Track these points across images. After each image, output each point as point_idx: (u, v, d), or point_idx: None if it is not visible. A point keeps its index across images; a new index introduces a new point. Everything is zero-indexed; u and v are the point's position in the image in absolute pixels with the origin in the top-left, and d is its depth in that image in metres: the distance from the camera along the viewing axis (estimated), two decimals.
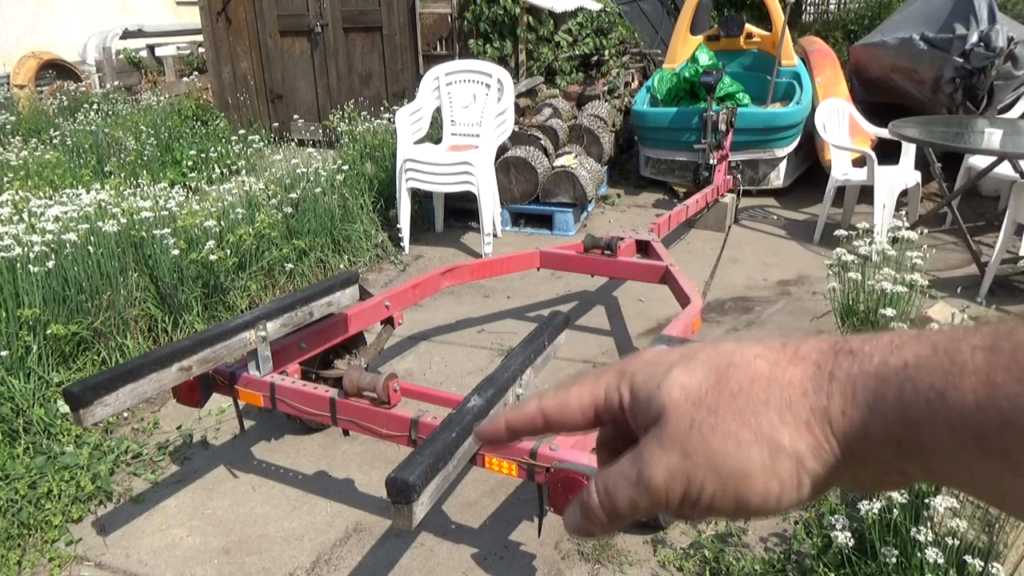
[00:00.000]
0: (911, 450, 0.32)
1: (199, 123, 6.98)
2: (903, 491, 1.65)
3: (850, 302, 2.86)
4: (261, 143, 5.99)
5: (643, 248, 3.48)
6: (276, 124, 7.31)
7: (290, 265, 3.93)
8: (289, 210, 4.20)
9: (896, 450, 0.33)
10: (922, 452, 0.32)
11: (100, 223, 3.43)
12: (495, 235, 4.82)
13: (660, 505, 0.37)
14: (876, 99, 5.92)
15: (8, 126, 6.95)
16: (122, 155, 5.86)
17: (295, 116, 7.17)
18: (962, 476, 0.32)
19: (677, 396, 0.36)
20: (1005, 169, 4.16)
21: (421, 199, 5.08)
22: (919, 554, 1.61)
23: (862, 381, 0.33)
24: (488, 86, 4.96)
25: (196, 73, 9.42)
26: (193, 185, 5.79)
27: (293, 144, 6.64)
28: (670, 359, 0.38)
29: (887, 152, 4.70)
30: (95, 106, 7.33)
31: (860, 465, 0.34)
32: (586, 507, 0.39)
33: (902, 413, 0.32)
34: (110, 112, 7.20)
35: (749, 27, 6.24)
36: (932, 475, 0.33)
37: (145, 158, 5.86)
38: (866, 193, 4.63)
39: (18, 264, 2.99)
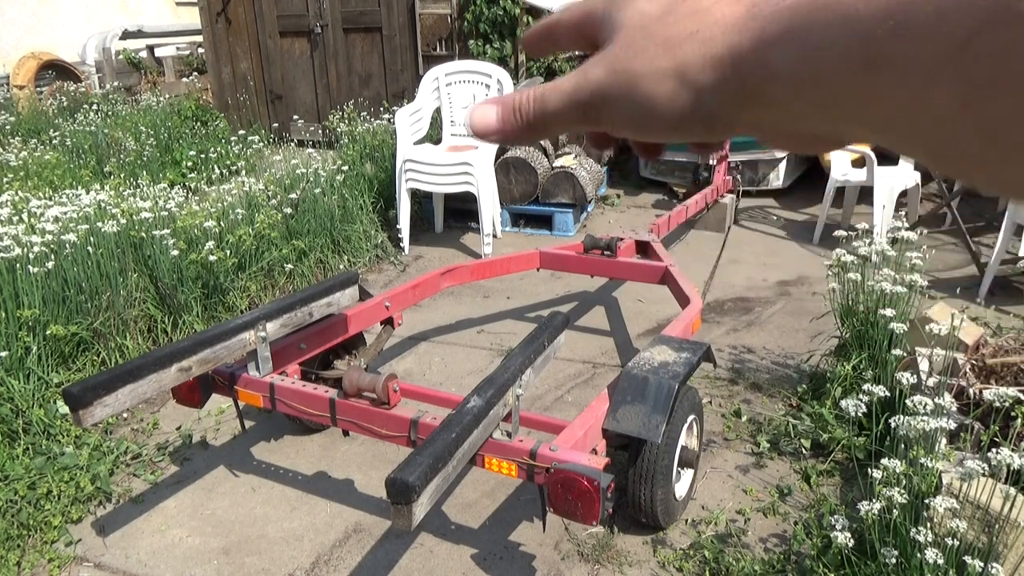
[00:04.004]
0: (806, 83, 0.31)
1: (199, 123, 6.98)
2: (903, 491, 1.65)
3: (850, 303, 2.86)
4: (261, 144, 5.99)
5: (643, 248, 3.49)
6: (276, 124, 7.31)
7: (290, 265, 3.93)
8: (289, 210, 4.20)
9: (793, 86, 0.32)
10: (818, 83, 0.31)
11: (100, 224, 3.42)
12: (495, 235, 4.82)
13: (580, 114, 0.38)
14: None
15: (8, 126, 6.95)
16: (122, 155, 5.87)
17: (295, 116, 7.17)
18: (852, 106, 0.31)
19: (629, 17, 0.37)
20: None
21: (421, 199, 5.08)
22: (919, 555, 1.61)
23: (778, 16, 0.32)
24: (488, 86, 4.96)
25: (196, 73, 9.42)
26: (193, 186, 5.79)
27: (293, 144, 6.64)
28: None
29: (887, 152, 4.70)
30: (95, 107, 7.34)
31: (759, 106, 0.34)
32: (518, 102, 0.39)
33: (802, 42, 0.31)
34: (110, 113, 7.20)
35: None
36: (824, 110, 0.32)
37: (145, 158, 5.86)
38: (866, 193, 4.63)
39: (18, 264, 2.99)
